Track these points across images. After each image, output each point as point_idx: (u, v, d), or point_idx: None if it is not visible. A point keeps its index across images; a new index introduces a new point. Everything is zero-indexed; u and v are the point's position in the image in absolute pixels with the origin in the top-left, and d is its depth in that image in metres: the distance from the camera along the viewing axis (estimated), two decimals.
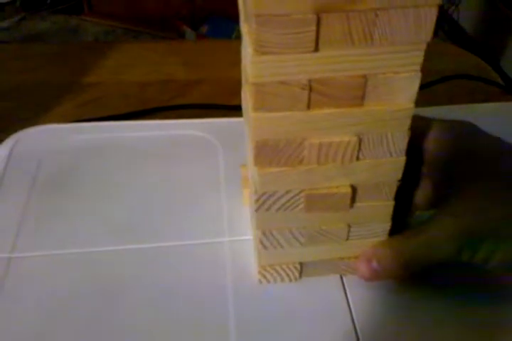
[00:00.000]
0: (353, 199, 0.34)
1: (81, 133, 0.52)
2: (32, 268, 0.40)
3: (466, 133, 0.37)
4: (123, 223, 0.43)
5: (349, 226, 0.35)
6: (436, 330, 0.37)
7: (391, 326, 0.37)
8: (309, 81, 0.28)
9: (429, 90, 0.64)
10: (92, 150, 0.49)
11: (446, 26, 1.69)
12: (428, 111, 0.40)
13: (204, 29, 1.77)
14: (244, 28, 0.30)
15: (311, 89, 0.28)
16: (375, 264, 0.35)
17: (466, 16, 1.76)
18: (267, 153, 0.31)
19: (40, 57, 0.71)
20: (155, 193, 0.46)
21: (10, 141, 0.50)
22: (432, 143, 0.36)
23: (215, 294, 0.38)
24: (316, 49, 0.26)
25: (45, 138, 0.51)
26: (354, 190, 0.33)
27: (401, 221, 0.37)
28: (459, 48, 0.77)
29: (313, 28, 0.26)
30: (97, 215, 0.44)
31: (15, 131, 0.52)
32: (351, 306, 0.38)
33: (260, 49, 0.26)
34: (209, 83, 0.65)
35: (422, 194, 0.37)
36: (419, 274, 0.36)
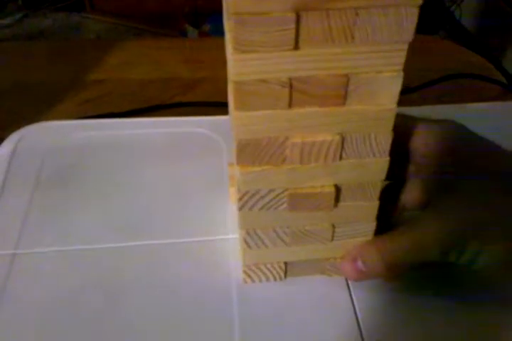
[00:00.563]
0: (337, 199, 0.33)
1: (84, 130, 0.52)
2: (36, 264, 0.40)
3: (453, 134, 0.36)
4: (126, 220, 0.43)
5: (333, 226, 0.35)
6: (441, 330, 0.37)
7: (396, 325, 0.37)
8: (290, 79, 0.28)
9: (432, 89, 0.64)
10: (95, 147, 0.50)
11: (447, 25, 1.68)
12: (426, 110, 0.39)
13: (206, 27, 1.77)
14: (225, 26, 0.30)
15: (292, 88, 0.28)
16: (360, 264, 0.35)
17: (468, 15, 1.76)
18: (249, 151, 0.30)
19: (42, 54, 0.71)
20: (158, 190, 0.46)
21: (13, 138, 0.50)
22: (418, 143, 0.36)
23: (218, 291, 0.38)
24: (297, 47, 0.26)
25: (48, 135, 0.51)
26: (338, 189, 0.33)
27: (388, 221, 0.37)
28: (461, 47, 0.77)
29: (293, 26, 0.25)
30: (100, 212, 0.44)
31: (18, 128, 0.52)
32: (355, 305, 0.38)
33: (240, 47, 0.26)
34: (211, 81, 0.65)
35: (410, 194, 0.37)
36: (407, 274, 0.36)
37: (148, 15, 1.84)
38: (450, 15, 1.74)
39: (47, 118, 0.54)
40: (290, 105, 0.29)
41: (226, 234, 0.42)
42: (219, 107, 0.59)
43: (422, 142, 0.36)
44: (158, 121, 0.53)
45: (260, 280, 0.39)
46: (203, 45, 0.80)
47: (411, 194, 0.36)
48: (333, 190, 0.33)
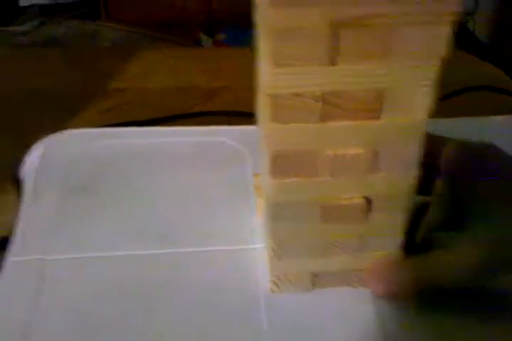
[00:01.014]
0: (366, 211, 0.34)
1: (109, 138, 0.52)
2: (62, 270, 0.40)
3: (486, 154, 0.36)
4: (153, 228, 0.43)
5: (362, 238, 0.35)
6: None
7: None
8: (325, 93, 0.28)
9: (450, 102, 0.64)
10: (120, 156, 0.50)
11: (461, 37, 1.69)
12: (447, 123, 0.39)
13: (221, 36, 1.78)
14: (260, 39, 0.30)
15: (326, 102, 0.28)
16: (388, 283, 0.35)
17: (482, 26, 1.76)
18: (281, 163, 0.31)
19: (60, 62, 0.72)
20: (182, 199, 0.46)
21: (39, 146, 0.51)
22: (448, 161, 0.36)
23: (245, 301, 0.38)
24: (332, 62, 0.27)
25: (74, 143, 0.51)
26: (368, 201, 0.33)
27: (419, 239, 0.37)
28: (477, 58, 0.77)
29: (330, 41, 0.26)
30: (126, 220, 0.44)
31: (39, 135, 0.52)
32: (381, 318, 0.38)
33: (276, 61, 0.27)
34: (230, 90, 0.66)
35: (440, 212, 0.37)
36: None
37: (163, 23, 1.85)
38: (464, 27, 1.74)
39: (68, 127, 0.55)
40: (323, 119, 0.29)
41: (253, 244, 0.42)
42: (239, 117, 0.59)
43: (452, 162, 0.36)
44: (182, 130, 0.54)
45: (288, 291, 0.39)
46: (220, 54, 0.81)
47: (441, 212, 0.36)
48: (363, 202, 0.33)
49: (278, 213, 0.33)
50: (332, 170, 0.31)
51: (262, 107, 0.32)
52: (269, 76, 0.27)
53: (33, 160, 0.49)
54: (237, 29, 1.76)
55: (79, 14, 1.93)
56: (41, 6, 1.93)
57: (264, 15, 0.26)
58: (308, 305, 0.38)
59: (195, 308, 0.38)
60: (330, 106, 0.29)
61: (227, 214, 0.45)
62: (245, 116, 0.58)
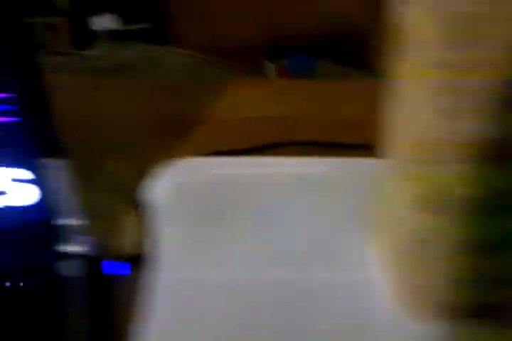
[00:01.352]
0: (502, 248, 0.36)
1: (226, 166, 0.56)
2: (194, 289, 0.43)
3: None
4: (273, 254, 0.46)
5: (498, 272, 0.37)
6: None
7: None
8: (470, 139, 0.31)
9: None
10: (236, 184, 0.53)
11: None
12: None
13: (283, 63, 1.81)
14: (414, 90, 0.33)
15: (469, 147, 0.32)
16: None
17: None
18: (424, 202, 0.34)
19: (142, 89, 0.75)
20: (296, 227, 0.49)
21: (161, 172, 0.54)
22: None
23: (373, 327, 0.40)
24: (481, 115, 0.30)
25: (192, 170, 0.55)
26: (503, 239, 0.35)
27: None
28: None
29: (488, 97, 0.30)
30: (252, 245, 0.47)
31: (149, 161, 0.55)
32: None
33: (436, 113, 0.30)
34: (309, 121, 0.66)
35: None
36: None
37: (226, 49, 1.90)
38: None
39: (172, 154, 0.57)
40: (465, 161, 0.32)
41: (378, 271, 0.43)
42: (326, 147, 0.61)
43: None
44: (299, 161, 0.56)
45: (417, 321, 0.39)
46: (300, 84, 0.83)
47: None
48: (498, 239, 0.35)
49: (417, 248, 0.36)
50: (471, 208, 0.34)
51: (404, 149, 0.35)
52: (425, 124, 0.31)
53: (160, 185, 0.53)
54: (299, 57, 1.80)
55: (148, 39, 1.99)
56: (112, 31, 2.00)
57: (426, 76, 0.30)
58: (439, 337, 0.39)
59: (321, 337, 0.40)
60: (471, 150, 0.32)
61: (348, 242, 0.47)
62: (344, 147, 0.61)
